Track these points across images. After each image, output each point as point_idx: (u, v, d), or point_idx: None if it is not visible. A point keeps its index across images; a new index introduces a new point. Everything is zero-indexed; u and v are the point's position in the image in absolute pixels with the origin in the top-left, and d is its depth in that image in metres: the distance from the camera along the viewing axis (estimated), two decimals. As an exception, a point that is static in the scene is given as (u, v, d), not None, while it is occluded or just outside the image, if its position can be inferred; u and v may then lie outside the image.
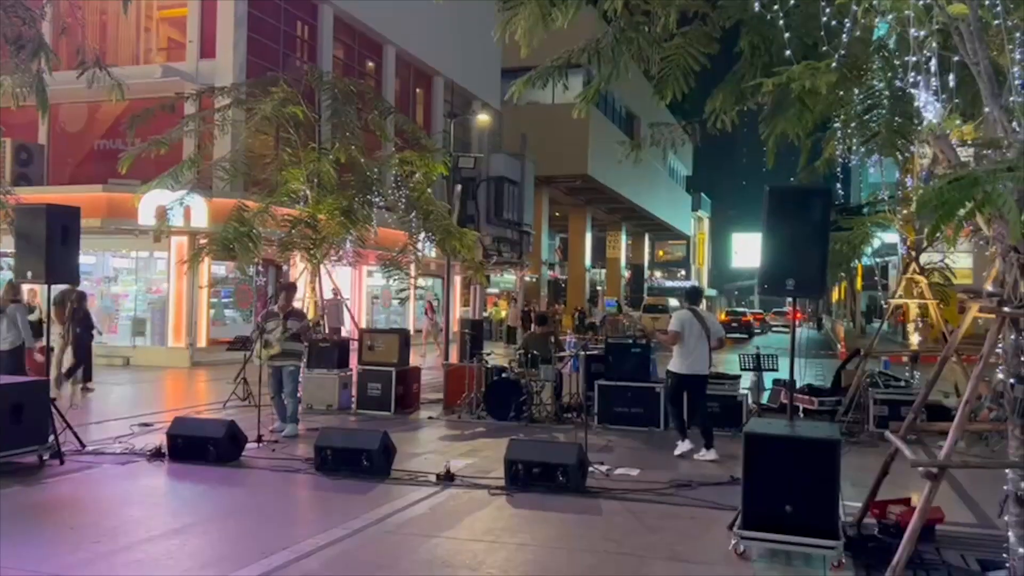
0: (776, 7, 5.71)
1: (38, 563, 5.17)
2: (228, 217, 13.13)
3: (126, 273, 19.84)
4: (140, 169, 13.92)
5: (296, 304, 10.53)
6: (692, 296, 9.73)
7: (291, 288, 10.24)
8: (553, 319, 22.14)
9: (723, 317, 47.70)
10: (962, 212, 4.32)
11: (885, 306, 13.05)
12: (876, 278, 37.59)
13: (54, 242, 8.17)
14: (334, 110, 13.81)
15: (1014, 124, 4.81)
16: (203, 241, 14.37)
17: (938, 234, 5.57)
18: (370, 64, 26.84)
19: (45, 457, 7.89)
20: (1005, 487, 4.93)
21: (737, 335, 42.88)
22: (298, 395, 10.26)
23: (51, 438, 7.99)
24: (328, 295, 15.13)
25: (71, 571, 5.07)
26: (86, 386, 13.44)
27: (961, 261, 15.26)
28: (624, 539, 5.95)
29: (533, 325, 12.93)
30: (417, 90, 30.31)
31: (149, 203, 16.28)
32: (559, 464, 7.15)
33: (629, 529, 6.22)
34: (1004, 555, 4.99)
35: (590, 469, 7.56)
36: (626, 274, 58.87)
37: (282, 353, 9.70)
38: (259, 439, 8.91)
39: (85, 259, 14.27)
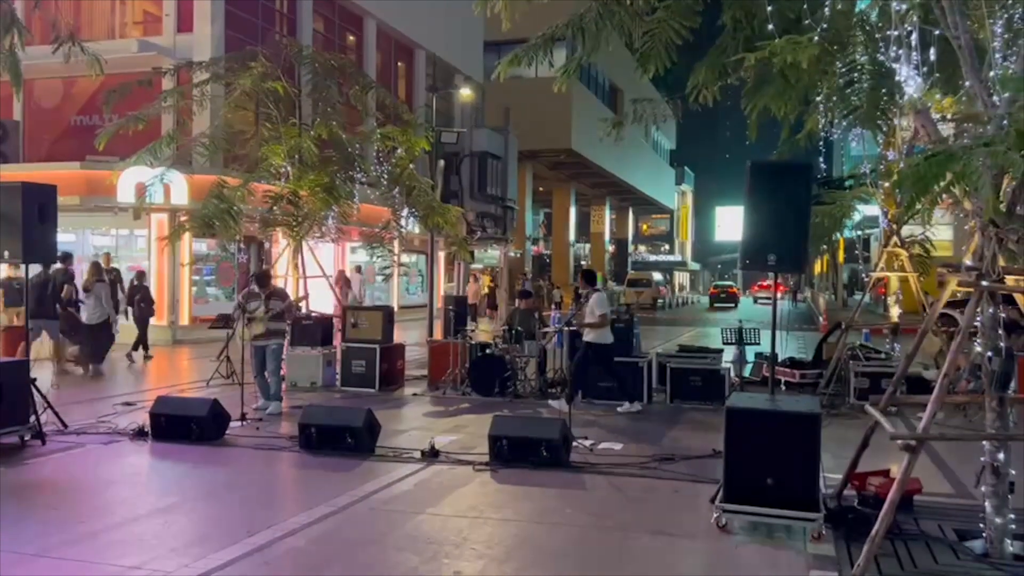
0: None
1: (22, 544, 5.15)
2: (208, 194, 13.00)
3: (106, 251, 19.61)
4: (118, 145, 13.73)
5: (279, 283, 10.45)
6: (590, 278, 10.95)
7: (264, 278, 10.17)
8: (538, 295, 22.14)
9: (712, 289, 49.29)
10: (938, 187, 4.35)
11: (866, 279, 13.13)
12: (858, 251, 37.97)
13: (31, 220, 8.07)
14: (315, 85, 13.63)
15: (994, 98, 4.83)
16: (183, 218, 14.23)
17: (915, 208, 5.59)
18: (351, 38, 26.51)
19: (27, 438, 7.84)
20: (982, 458, 5.02)
21: (725, 304, 45.51)
22: (281, 373, 10.24)
23: (32, 418, 7.94)
24: (313, 272, 14.97)
25: (56, 552, 5.06)
26: (147, 355, 14.91)
27: (941, 233, 15.36)
28: (608, 513, 6.01)
29: (518, 301, 12.90)
30: (398, 64, 30.00)
31: (128, 180, 16.10)
32: (543, 439, 7.19)
33: (612, 503, 6.28)
34: (980, 524, 5.09)
35: (574, 444, 7.60)
36: (610, 248, 59.03)
37: (265, 332, 9.68)
38: (243, 417, 8.89)
39: (64, 237, 14.11)
